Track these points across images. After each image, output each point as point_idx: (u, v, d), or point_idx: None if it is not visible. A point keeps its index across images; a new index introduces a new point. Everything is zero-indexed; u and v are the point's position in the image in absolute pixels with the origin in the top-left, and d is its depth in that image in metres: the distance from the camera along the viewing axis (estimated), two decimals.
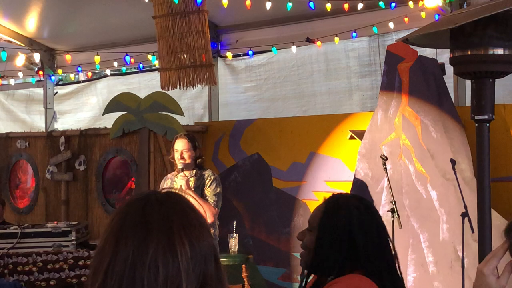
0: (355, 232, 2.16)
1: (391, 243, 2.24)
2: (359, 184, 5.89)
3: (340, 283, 2.10)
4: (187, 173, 5.23)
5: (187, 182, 5.11)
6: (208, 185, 5.20)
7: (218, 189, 5.21)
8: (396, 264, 2.25)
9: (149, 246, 1.24)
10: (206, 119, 8.20)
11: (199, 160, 5.28)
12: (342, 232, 2.16)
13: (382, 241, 2.19)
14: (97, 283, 1.25)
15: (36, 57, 8.68)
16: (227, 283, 1.35)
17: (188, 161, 5.19)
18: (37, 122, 10.09)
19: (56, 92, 9.76)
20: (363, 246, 2.15)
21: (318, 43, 7.04)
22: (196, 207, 1.36)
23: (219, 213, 5.28)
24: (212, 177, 5.24)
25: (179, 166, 5.17)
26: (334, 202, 2.24)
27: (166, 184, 5.32)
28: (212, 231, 5.14)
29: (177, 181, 5.15)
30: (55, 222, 6.28)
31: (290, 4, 6.38)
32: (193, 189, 5.12)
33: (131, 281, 1.23)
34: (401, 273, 2.26)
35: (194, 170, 5.25)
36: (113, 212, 1.34)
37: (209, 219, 5.06)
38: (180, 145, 5.21)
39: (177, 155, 5.19)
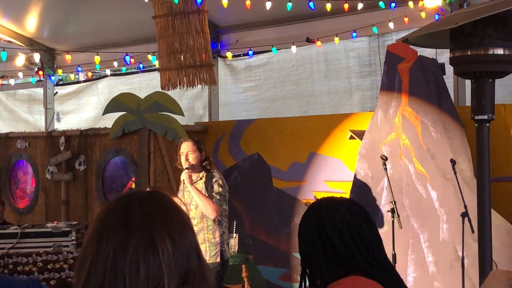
0: (328, 235, 2.14)
1: (370, 243, 2.18)
2: (359, 184, 5.90)
3: (341, 285, 2.09)
4: (195, 175, 5.23)
5: (190, 177, 5.12)
6: (212, 186, 5.19)
7: (221, 189, 5.18)
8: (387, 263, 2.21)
9: (129, 243, 1.27)
10: (206, 119, 8.20)
11: (206, 162, 5.27)
12: (313, 236, 2.16)
13: (357, 243, 2.15)
14: (81, 281, 1.28)
15: (36, 57, 8.69)
16: (212, 279, 1.37)
17: (193, 162, 5.19)
18: (40, 122, 10.10)
19: (56, 92, 9.77)
20: (344, 248, 2.13)
21: (318, 43, 7.04)
22: (179, 204, 1.39)
23: (226, 214, 5.27)
24: (216, 178, 5.22)
25: (185, 166, 5.18)
26: (308, 208, 2.26)
27: (181, 185, 5.34)
28: (216, 237, 5.15)
29: (182, 176, 5.18)
30: (55, 222, 6.27)
31: (290, 4, 6.38)
32: (195, 186, 5.13)
33: (113, 278, 1.25)
34: (395, 271, 2.23)
35: (202, 173, 5.25)
36: (98, 212, 1.37)
37: (211, 215, 5.07)
38: (185, 147, 5.24)
39: (182, 158, 5.21)
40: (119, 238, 1.28)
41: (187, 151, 5.21)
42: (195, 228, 5.03)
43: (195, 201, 5.13)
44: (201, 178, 5.25)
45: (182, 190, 5.32)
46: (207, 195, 5.14)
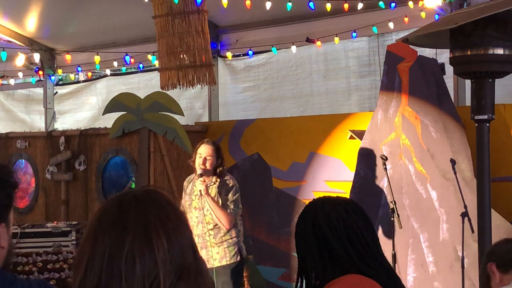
0: (324, 234, 2.15)
1: (366, 241, 2.18)
2: (359, 184, 5.89)
3: (339, 283, 2.09)
4: (207, 180, 5.17)
5: (207, 187, 5.06)
6: (226, 193, 5.15)
7: (235, 196, 5.18)
8: (382, 261, 2.20)
9: (125, 239, 1.28)
10: (204, 119, 8.20)
11: (220, 169, 5.18)
12: (310, 236, 2.17)
13: (355, 241, 2.15)
14: (78, 278, 1.29)
15: (36, 57, 8.69)
16: (208, 274, 1.39)
17: (208, 168, 5.12)
18: (37, 122, 10.09)
19: (56, 92, 9.77)
20: (340, 247, 2.13)
21: (318, 43, 7.04)
22: (178, 207, 1.41)
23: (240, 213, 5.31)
24: (231, 184, 5.19)
25: (198, 171, 5.10)
26: (304, 208, 2.28)
27: (188, 187, 5.30)
28: (233, 236, 5.18)
29: (197, 186, 5.10)
30: (55, 222, 6.28)
31: (290, 4, 6.38)
32: (211, 196, 5.09)
33: (109, 275, 1.27)
34: (393, 270, 2.23)
35: (214, 177, 5.17)
36: (95, 212, 1.39)
37: (225, 226, 5.07)
38: (205, 150, 5.14)
39: (199, 160, 5.12)
40: (114, 235, 1.29)
41: (205, 155, 5.12)
42: (212, 232, 5.09)
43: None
44: (214, 183, 5.18)
45: (190, 193, 5.25)
46: (220, 202, 5.11)
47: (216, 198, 5.11)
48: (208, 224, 5.09)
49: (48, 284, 1.92)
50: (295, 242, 2.25)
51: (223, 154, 5.30)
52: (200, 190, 5.05)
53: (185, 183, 5.43)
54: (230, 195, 5.14)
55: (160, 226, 1.31)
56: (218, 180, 5.18)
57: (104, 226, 1.32)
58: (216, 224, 5.11)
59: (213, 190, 5.16)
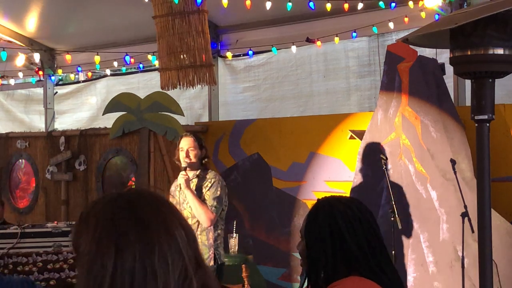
0: (341, 233, 2.14)
1: (380, 240, 2.19)
2: (359, 184, 5.89)
3: (341, 285, 2.09)
4: (191, 173, 5.02)
5: (187, 181, 4.92)
6: (208, 188, 4.96)
7: (219, 192, 4.94)
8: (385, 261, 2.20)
9: (152, 239, 1.28)
10: (204, 119, 8.20)
11: (205, 160, 5.07)
12: (325, 235, 2.16)
13: (370, 239, 2.15)
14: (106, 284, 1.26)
15: (36, 57, 8.69)
16: (207, 264, 1.44)
17: (193, 160, 4.97)
18: (36, 122, 10.09)
19: (56, 92, 9.77)
20: (355, 246, 2.12)
21: (318, 43, 7.04)
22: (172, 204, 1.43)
23: (224, 215, 5.07)
24: (213, 180, 4.98)
25: (183, 164, 4.96)
26: (315, 206, 2.26)
27: (172, 188, 5.20)
28: (210, 238, 4.93)
29: (178, 179, 4.98)
30: (55, 222, 6.27)
31: (290, 4, 6.38)
32: (193, 190, 4.96)
33: (142, 276, 1.25)
34: (394, 269, 2.22)
35: (199, 171, 5.02)
36: (89, 215, 1.34)
37: (205, 223, 4.85)
38: (186, 143, 5.01)
39: (182, 154, 4.98)
40: (139, 236, 1.28)
41: (187, 147, 4.99)
42: None
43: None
44: (197, 177, 5.02)
45: (173, 191, 5.16)
46: (203, 197, 4.93)
47: (196, 192, 4.94)
48: (186, 218, 4.95)
49: (32, 283, 1.92)
50: (306, 241, 2.21)
51: (205, 144, 5.17)
52: (179, 184, 4.95)
53: (172, 187, 5.28)
54: (209, 191, 4.93)
55: (174, 217, 1.35)
56: (202, 174, 5.02)
57: (122, 228, 1.28)
58: (195, 221, 4.89)
59: (194, 183, 5.00)
